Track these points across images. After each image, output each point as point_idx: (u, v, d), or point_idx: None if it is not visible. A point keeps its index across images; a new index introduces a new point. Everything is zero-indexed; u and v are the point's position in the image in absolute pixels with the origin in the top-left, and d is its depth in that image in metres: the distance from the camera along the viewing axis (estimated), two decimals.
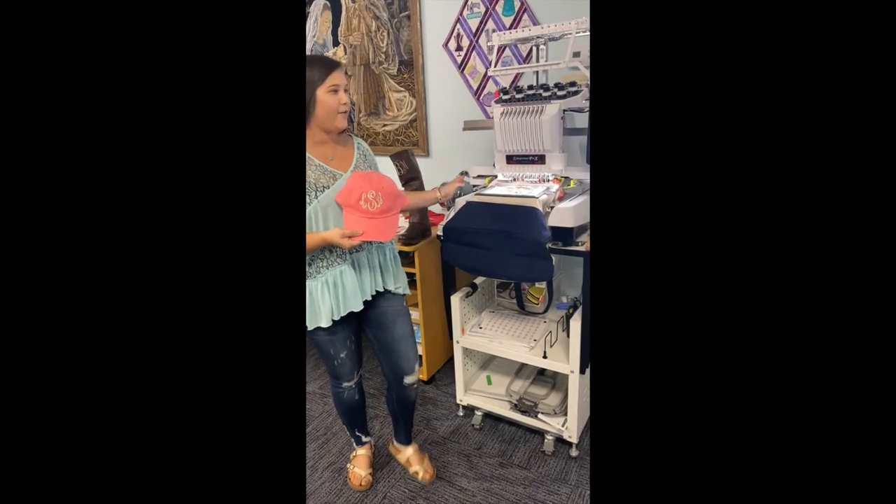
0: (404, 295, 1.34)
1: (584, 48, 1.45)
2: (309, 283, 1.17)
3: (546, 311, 1.83)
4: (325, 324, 1.17)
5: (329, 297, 1.17)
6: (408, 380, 1.36)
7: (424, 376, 2.03)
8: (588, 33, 1.40)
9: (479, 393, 1.78)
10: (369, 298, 1.24)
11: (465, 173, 1.81)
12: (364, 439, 1.56)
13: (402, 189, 1.45)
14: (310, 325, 1.19)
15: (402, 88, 2.32)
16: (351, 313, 1.22)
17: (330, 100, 1.09)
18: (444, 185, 1.48)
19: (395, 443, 1.58)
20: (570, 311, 1.61)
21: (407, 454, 1.54)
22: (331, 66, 1.09)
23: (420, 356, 2.02)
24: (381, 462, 1.62)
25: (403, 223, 1.97)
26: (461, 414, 1.83)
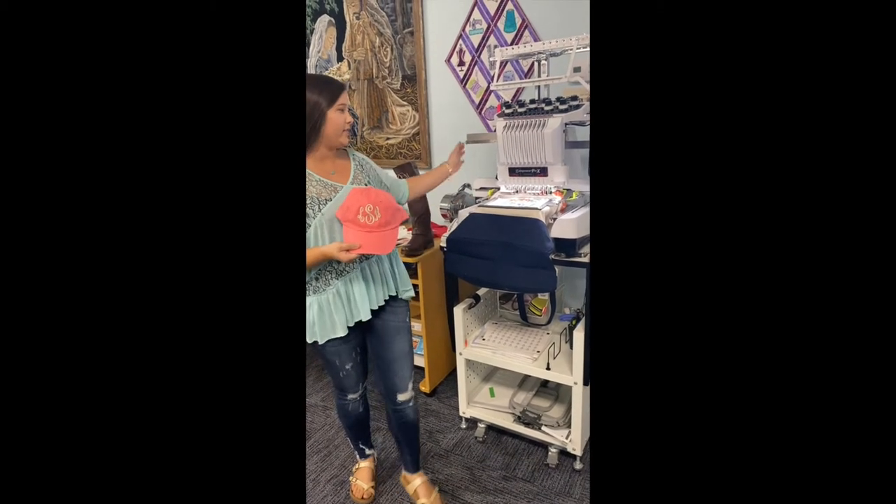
0: (408, 301, 1.35)
1: (585, 63, 1.48)
2: (318, 297, 1.18)
3: (549, 322, 1.83)
4: (342, 332, 1.20)
5: (342, 306, 1.19)
6: (400, 397, 1.35)
7: (427, 388, 2.02)
8: (588, 48, 1.43)
9: (482, 405, 1.78)
10: (378, 307, 1.26)
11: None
12: (367, 452, 1.55)
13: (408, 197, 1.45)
14: (322, 339, 1.20)
15: (405, 102, 2.35)
16: (358, 324, 1.23)
17: (338, 118, 1.16)
18: (443, 164, 1.50)
19: (403, 471, 1.53)
20: (573, 322, 1.61)
21: (415, 485, 1.47)
22: (340, 86, 1.17)
23: (422, 369, 2.02)
24: (384, 475, 1.61)
25: (406, 234, 1.98)
26: (464, 426, 1.82)
